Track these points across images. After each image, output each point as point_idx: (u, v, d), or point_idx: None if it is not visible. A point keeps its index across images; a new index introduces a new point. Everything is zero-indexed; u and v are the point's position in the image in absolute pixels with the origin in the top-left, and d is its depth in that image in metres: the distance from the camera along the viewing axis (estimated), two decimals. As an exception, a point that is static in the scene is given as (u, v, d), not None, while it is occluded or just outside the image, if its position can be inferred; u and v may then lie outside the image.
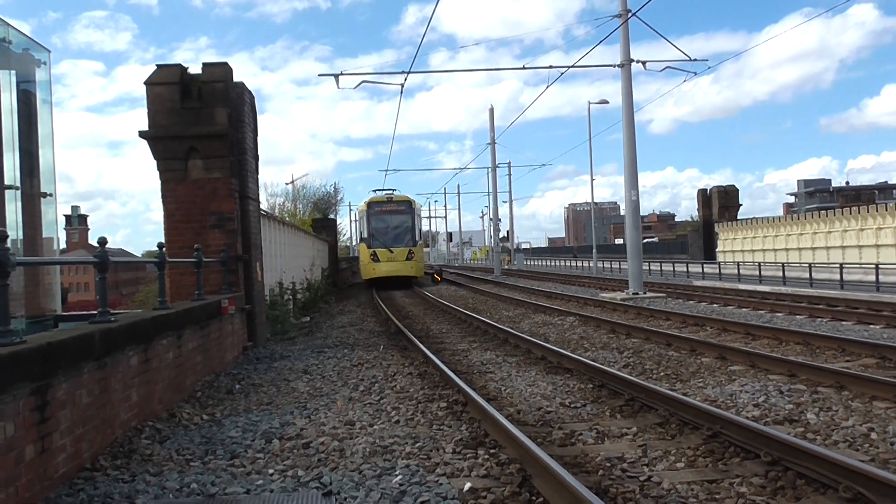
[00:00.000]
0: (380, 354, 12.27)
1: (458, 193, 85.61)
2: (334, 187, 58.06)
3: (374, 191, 48.36)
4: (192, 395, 8.69)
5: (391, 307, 22.98)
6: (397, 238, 35.01)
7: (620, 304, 19.53)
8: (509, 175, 64.48)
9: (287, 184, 63.81)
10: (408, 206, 35.73)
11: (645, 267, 34.50)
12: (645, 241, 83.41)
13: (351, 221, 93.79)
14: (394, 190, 39.40)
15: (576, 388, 8.75)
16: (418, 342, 12.73)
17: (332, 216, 54.01)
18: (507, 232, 72.34)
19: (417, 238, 35.59)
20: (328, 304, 26.31)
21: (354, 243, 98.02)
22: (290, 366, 11.21)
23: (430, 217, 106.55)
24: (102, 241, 6.84)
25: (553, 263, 59.89)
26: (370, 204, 35.77)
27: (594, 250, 43.93)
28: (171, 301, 10.14)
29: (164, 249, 9.03)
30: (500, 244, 51.20)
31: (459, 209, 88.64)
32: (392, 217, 35.33)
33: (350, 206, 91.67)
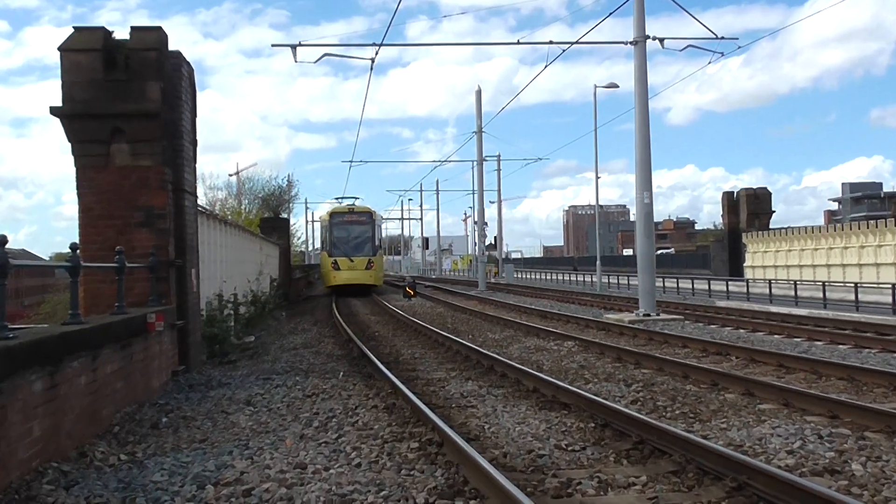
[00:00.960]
0: (339, 383, 12.22)
1: (437, 191, 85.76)
2: (288, 180, 57.80)
3: (337, 199, 56.47)
4: (108, 430, 8.60)
5: (353, 326, 22.95)
6: (358, 247, 42.54)
7: (629, 328, 19.62)
8: (498, 170, 64.55)
9: (231, 175, 63.64)
10: (368, 217, 43.55)
11: (658, 283, 34.71)
12: (659, 252, 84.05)
13: (307, 222, 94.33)
14: (357, 198, 49.82)
15: (574, 427, 8.77)
16: (385, 369, 12.71)
17: (284, 215, 53.88)
18: (495, 238, 72.49)
19: (377, 248, 43.49)
20: (278, 321, 26.26)
21: (312, 248, 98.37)
22: (229, 395, 11.14)
23: (402, 219, 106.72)
24: (1, 240, 6.73)
25: (549, 277, 60.15)
26: (332, 214, 43.79)
27: (598, 262, 44.14)
28: (85, 314, 10.02)
29: (78, 251, 8.93)
30: (486, 252, 51.36)
31: (438, 210, 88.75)
32: (353, 227, 42.97)
33: (307, 203, 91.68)
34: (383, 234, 51.51)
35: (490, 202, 78.34)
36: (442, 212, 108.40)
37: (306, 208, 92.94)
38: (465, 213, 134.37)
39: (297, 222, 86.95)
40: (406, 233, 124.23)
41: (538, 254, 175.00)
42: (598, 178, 44.68)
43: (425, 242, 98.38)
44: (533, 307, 28.62)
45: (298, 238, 78.95)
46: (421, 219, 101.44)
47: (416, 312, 28.36)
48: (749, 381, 10.90)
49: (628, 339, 18.07)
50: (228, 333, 17.41)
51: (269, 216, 47.97)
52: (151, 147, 12.20)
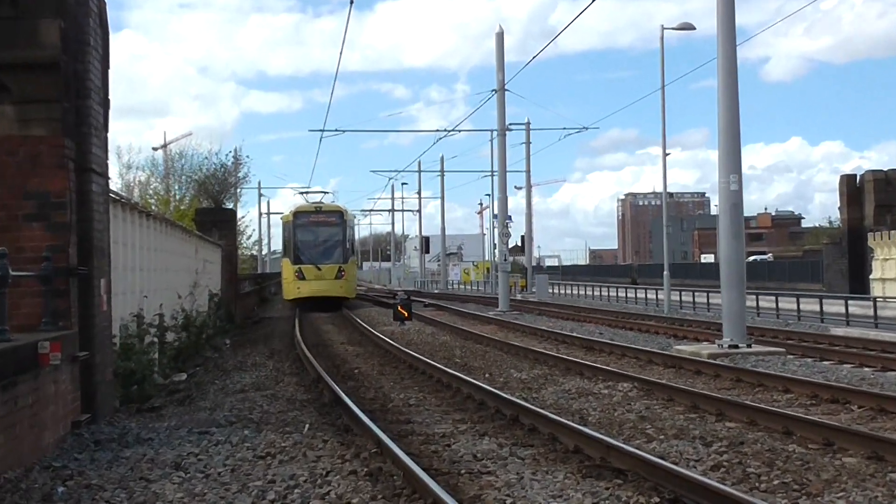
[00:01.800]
0: (304, 440, 12.22)
1: (442, 172, 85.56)
2: (235, 157, 57.29)
3: (301, 192, 62.66)
4: (-17, 503, 8.57)
5: (324, 359, 22.97)
6: (326, 253, 49.31)
7: (708, 364, 19.60)
8: (527, 143, 64.54)
9: (157, 149, 63.76)
10: (339, 217, 50.37)
11: (750, 303, 34.62)
12: (751, 258, 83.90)
13: (261, 214, 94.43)
14: (326, 193, 59.51)
15: (632, 501, 8.78)
16: (368, 420, 12.72)
17: (229, 205, 53.92)
18: (522, 238, 72.41)
19: (349, 254, 50.72)
20: (220, 351, 26.34)
21: (268, 252, 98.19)
22: (151, 455, 11.12)
23: (393, 211, 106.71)
24: None
25: (598, 293, 60.05)
26: (296, 214, 50.60)
27: (666, 272, 44.02)
28: (-48, 342, 10.00)
29: (-57, 254, 8.89)
30: (510, 258, 51.31)
31: (443, 199, 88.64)
32: (321, 229, 49.83)
33: (261, 188, 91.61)
34: (356, 237, 61.49)
35: (515, 188, 78.08)
36: (449, 201, 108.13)
37: (260, 196, 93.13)
38: (481, 204, 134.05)
39: (248, 215, 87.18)
40: (399, 230, 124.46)
41: (583, 260, 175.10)
42: (665, 154, 44.74)
43: (425, 244, 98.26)
44: (575, 335, 28.56)
45: (248, 237, 79.05)
46: (419, 210, 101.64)
47: (411, 341, 28.34)
48: (877, 439, 10.83)
49: (707, 381, 18.04)
50: (151, 369, 17.33)
51: (208, 206, 47.94)
52: (47, 110, 12.17)
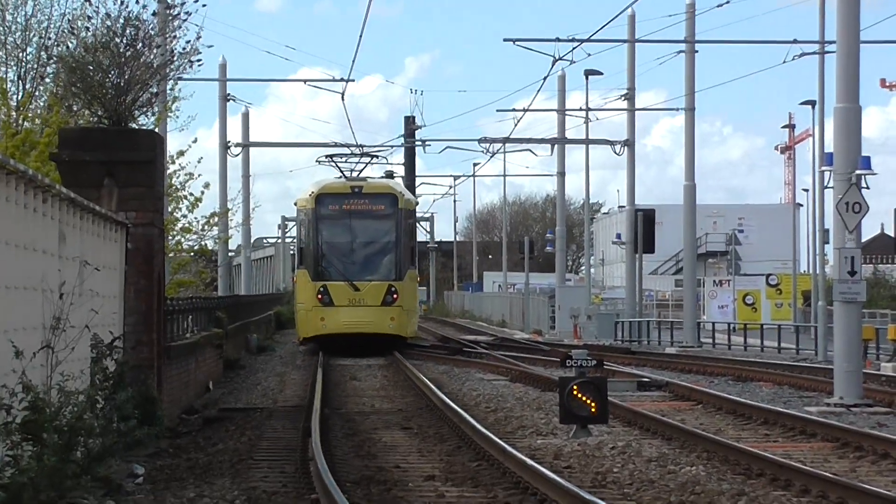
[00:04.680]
0: None
1: (691, 47, 70.21)
2: (164, 1, 42.59)
3: (327, 157, 64.83)
4: None
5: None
6: (368, 264, 56.77)
7: None
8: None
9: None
10: (390, 204, 56.97)
11: None
12: None
13: (227, 148, 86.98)
14: (375, 156, 66.92)
15: None
16: None
17: (146, 125, 42.47)
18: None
19: (407, 264, 57.22)
20: (117, 495, 21.41)
21: (244, 241, 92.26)
22: None
23: (563, 141, 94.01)
24: None
25: None
26: (320, 197, 57.45)
27: None
28: None
29: None
30: (862, 268, 37.50)
31: (691, 112, 73.14)
32: (360, 223, 57.00)
33: (227, 81, 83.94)
34: (417, 235, 68.75)
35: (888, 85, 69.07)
36: (704, 115, 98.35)
37: (226, 101, 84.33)
38: (791, 126, 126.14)
39: (193, 150, 75.12)
40: (572, 191, 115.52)
41: None
42: None
43: (643, 226, 79.09)
44: None
45: (196, 205, 64.77)
46: (627, 143, 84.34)
47: (605, 479, 22.85)
48: None
49: None
50: None
51: (91, 125, 37.81)
52: None
